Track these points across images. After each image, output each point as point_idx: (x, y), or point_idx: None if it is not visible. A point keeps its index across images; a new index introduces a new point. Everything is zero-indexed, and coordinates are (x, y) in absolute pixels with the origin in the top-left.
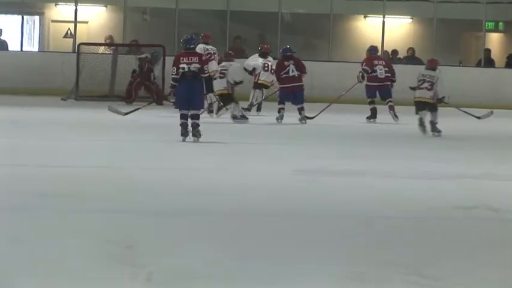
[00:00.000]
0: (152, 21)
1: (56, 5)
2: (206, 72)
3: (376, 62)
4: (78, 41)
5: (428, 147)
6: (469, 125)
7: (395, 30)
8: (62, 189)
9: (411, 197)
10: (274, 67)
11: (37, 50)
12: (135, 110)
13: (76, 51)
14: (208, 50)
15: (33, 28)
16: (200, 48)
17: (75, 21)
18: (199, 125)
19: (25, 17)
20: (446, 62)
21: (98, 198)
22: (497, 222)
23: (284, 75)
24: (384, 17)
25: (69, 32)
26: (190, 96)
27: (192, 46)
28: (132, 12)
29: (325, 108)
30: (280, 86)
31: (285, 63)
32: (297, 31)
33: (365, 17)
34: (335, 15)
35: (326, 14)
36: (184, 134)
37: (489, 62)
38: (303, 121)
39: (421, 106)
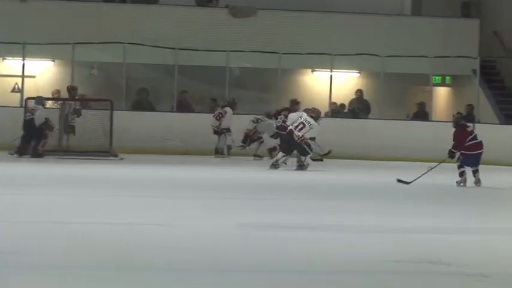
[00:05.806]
0: (100, 76)
1: (3, 59)
2: None
3: None
4: (26, 96)
5: None
6: None
7: (344, 83)
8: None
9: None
10: None
11: None
12: None
13: (24, 105)
14: None
15: None
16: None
17: (23, 76)
18: None
19: None
20: (393, 116)
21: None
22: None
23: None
24: (331, 71)
25: (16, 86)
26: None
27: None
28: (80, 67)
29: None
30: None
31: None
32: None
33: (313, 71)
34: (283, 69)
35: (274, 69)
36: None
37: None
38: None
39: None
